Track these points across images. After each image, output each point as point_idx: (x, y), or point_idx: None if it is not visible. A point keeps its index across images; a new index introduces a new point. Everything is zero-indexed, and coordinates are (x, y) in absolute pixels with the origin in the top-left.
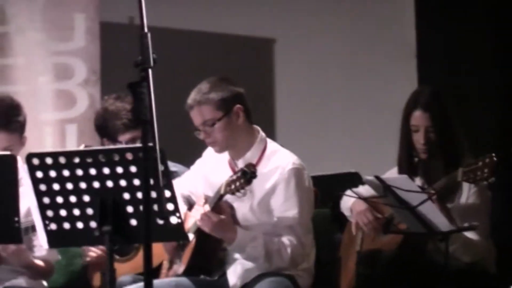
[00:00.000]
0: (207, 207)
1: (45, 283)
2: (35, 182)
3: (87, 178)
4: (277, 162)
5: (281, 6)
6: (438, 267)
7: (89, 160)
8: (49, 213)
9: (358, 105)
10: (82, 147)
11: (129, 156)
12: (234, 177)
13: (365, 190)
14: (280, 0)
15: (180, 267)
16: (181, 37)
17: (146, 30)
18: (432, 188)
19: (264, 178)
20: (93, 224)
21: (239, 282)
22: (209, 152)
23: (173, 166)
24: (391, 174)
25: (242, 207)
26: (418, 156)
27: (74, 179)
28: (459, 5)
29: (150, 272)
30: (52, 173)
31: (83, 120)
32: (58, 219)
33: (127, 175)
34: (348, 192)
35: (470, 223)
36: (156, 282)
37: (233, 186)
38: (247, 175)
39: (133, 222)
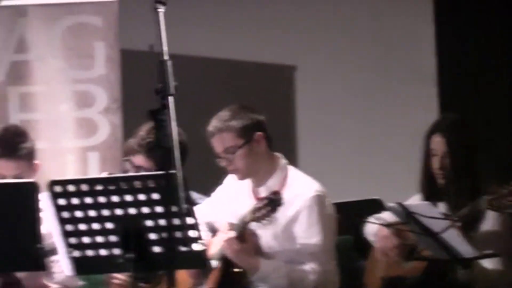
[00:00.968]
0: (231, 234)
1: None
2: (58, 209)
3: (110, 205)
4: (299, 189)
5: (302, 33)
6: None
7: (112, 187)
8: (72, 240)
9: (380, 131)
10: (104, 175)
11: (151, 183)
12: (260, 204)
13: (388, 216)
14: (300, 28)
15: None
16: (201, 64)
17: (166, 57)
18: (456, 216)
19: (286, 205)
20: (116, 251)
21: None
22: (230, 179)
23: (199, 199)
24: (414, 201)
25: (266, 234)
26: (437, 181)
27: (96, 206)
28: (479, 31)
29: None
30: (75, 201)
31: (105, 148)
32: (81, 246)
33: (150, 202)
34: (372, 219)
35: (492, 251)
36: None
37: (259, 214)
38: (273, 203)
39: (156, 249)
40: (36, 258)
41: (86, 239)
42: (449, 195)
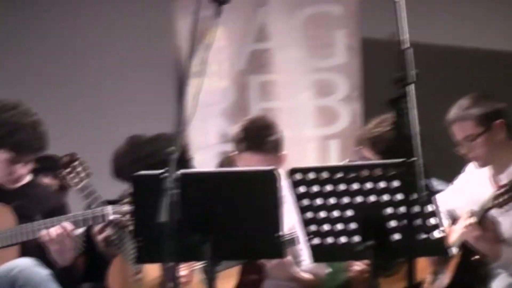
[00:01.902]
0: (472, 221)
1: None
2: (298, 197)
3: (350, 193)
4: None
5: None
6: None
7: (352, 175)
8: (312, 228)
9: None
10: (345, 163)
11: (392, 171)
12: (501, 191)
13: None
14: None
15: (444, 279)
16: (442, 53)
17: (406, 45)
18: None
19: None
20: (356, 239)
21: None
22: (471, 167)
23: (438, 186)
24: None
25: (506, 221)
26: None
27: (336, 194)
28: None
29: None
30: (315, 188)
31: (345, 136)
32: (321, 234)
33: (390, 190)
34: None
35: None
36: None
37: (500, 199)
38: None
39: (396, 237)
40: (277, 246)
41: (326, 227)
42: None
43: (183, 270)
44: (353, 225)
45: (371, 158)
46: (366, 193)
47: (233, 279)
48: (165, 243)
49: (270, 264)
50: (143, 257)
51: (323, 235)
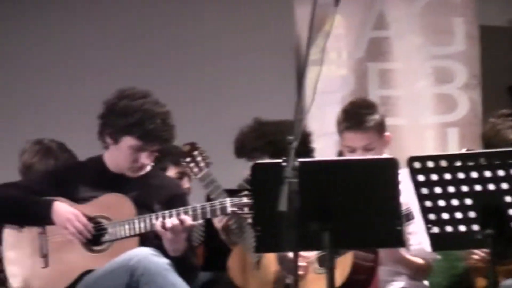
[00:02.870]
0: None
1: (426, 283)
2: (417, 185)
3: (469, 181)
4: None
5: None
6: None
7: (471, 163)
8: (431, 216)
9: None
10: (463, 151)
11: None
12: None
13: None
14: None
15: None
16: None
17: None
18: None
19: None
20: (475, 227)
21: None
22: None
23: None
24: None
25: None
26: None
27: (455, 182)
28: None
29: None
30: (434, 177)
31: (464, 124)
32: (440, 223)
33: (509, 178)
34: None
35: None
36: None
37: None
38: None
39: None
40: (398, 235)
41: (445, 215)
42: None
43: (300, 262)
44: (472, 214)
45: None
46: (485, 181)
47: (348, 267)
48: (284, 232)
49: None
50: (262, 246)
51: (442, 223)
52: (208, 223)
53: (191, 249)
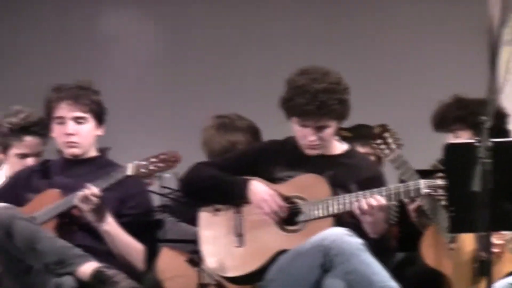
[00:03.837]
0: None
1: None
2: None
3: None
4: None
5: None
6: None
7: None
8: None
9: None
10: None
11: None
12: None
13: None
14: None
15: None
16: None
17: None
18: None
19: None
20: None
21: None
22: None
23: None
24: None
25: None
26: None
27: None
28: None
29: None
30: None
31: None
32: None
33: None
34: None
35: None
36: None
37: None
38: None
39: None
40: None
41: None
42: None
43: (496, 240)
44: None
45: None
46: None
47: None
48: (478, 212)
49: None
50: (456, 227)
51: None
52: (401, 203)
53: (388, 230)
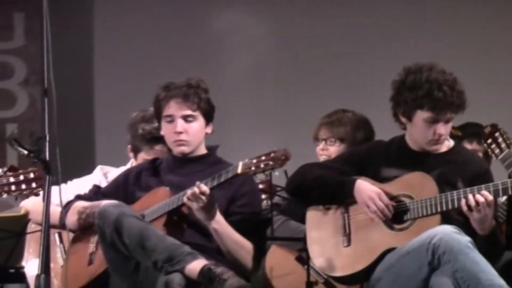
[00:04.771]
0: None
1: None
2: None
3: None
4: None
5: None
6: None
7: None
8: None
9: None
10: None
11: None
12: None
13: None
14: None
15: None
16: None
17: None
18: None
19: None
20: None
21: None
22: None
23: None
24: None
25: None
26: None
27: None
28: None
29: None
30: None
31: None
32: None
33: None
34: None
35: None
36: None
37: None
38: None
39: None
40: None
41: None
42: None
43: None
44: None
45: None
46: None
47: None
48: None
49: None
50: None
51: None
52: (510, 200)
53: (497, 227)
